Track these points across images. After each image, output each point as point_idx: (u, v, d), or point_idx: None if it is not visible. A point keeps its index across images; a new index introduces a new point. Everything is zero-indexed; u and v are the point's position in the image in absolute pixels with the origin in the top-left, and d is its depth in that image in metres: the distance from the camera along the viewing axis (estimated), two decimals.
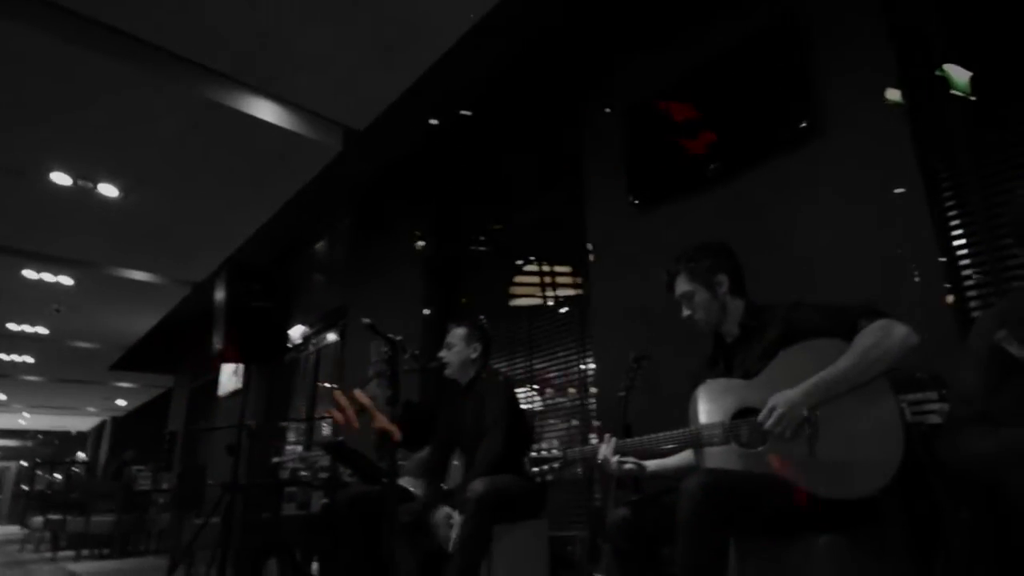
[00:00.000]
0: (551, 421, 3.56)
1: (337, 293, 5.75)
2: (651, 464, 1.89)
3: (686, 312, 1.91)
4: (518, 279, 3.99)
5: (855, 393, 1.53)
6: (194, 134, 3.65)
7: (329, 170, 4.07)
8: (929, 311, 2.09)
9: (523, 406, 2.81)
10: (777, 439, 1.58)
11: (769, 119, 2.62)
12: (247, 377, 6.22)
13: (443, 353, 2.71)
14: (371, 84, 3.46)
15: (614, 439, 1.82)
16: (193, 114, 3.45)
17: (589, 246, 3.36)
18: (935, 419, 1.74)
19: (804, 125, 2.50)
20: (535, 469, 1.89)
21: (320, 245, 6.25)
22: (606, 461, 1.80)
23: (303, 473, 3.35)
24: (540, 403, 3.68)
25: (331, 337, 6.13)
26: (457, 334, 2.73)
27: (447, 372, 2.71)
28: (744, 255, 2.56)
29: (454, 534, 2.21)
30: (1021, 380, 1.29)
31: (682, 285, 1.91)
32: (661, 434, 1.75)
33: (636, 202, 3.10)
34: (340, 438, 3.03)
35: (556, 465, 1.88)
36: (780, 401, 1.56)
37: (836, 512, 1.49)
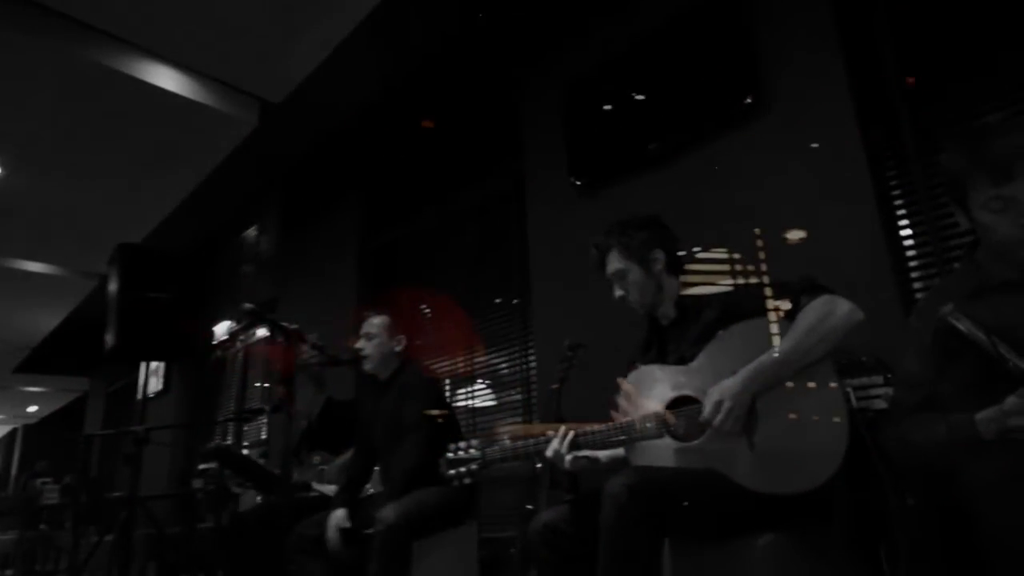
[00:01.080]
0: (496, 419, 3.37)
1: (267, 285, 5.42)
2: (603, 455, 1.71)
3: (618, 292, 1.75)
4: (458, 267, 3.78)
5: (797, 379, 1.41)
6: (83, 104, 3.25)
7: (248, 148, 3.72)
8: (874, 290, 2.02)
9: (452, 405, 2.61)
10: (715, 431, 1.45)
11: (714, 94, 2.52)
12: (167, 377, 5.77)
13: (361, 344, 2.47)
14: (287, 53, 3.15)
15: (572, 432, 1.62)
16: (77, 79, 3.05)
17: (530, 231, 3.20)
18: (881, 404, 1.63)
19: (749, 101, 2.41)
20: (451, 472, 1.70)
21: (249, 233, 5.85)
22: (558, 456, 1.60)
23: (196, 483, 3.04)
24: (483, 400, 3.48)
25: (261, 333, 5.75)
26: (377, 323, 2.49)
27: (366, 366, 2.47)
28: (691, 236, 2.48)
29: (332, 537, 2.05)
30: (966, 363, 1.20)
31: (614, 262, 1.76)
32: (595, 427, 1.59)
33: (578, 183, 2.96)
34: (227, 442, 2.75)
35: (475, 467, 1.69)
36: (724, 394, 1.43)
37: (778, 509, 1.37)
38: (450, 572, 2.21)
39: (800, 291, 1.47)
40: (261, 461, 3.16)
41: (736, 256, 2.32)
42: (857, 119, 2.20)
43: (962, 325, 1.18)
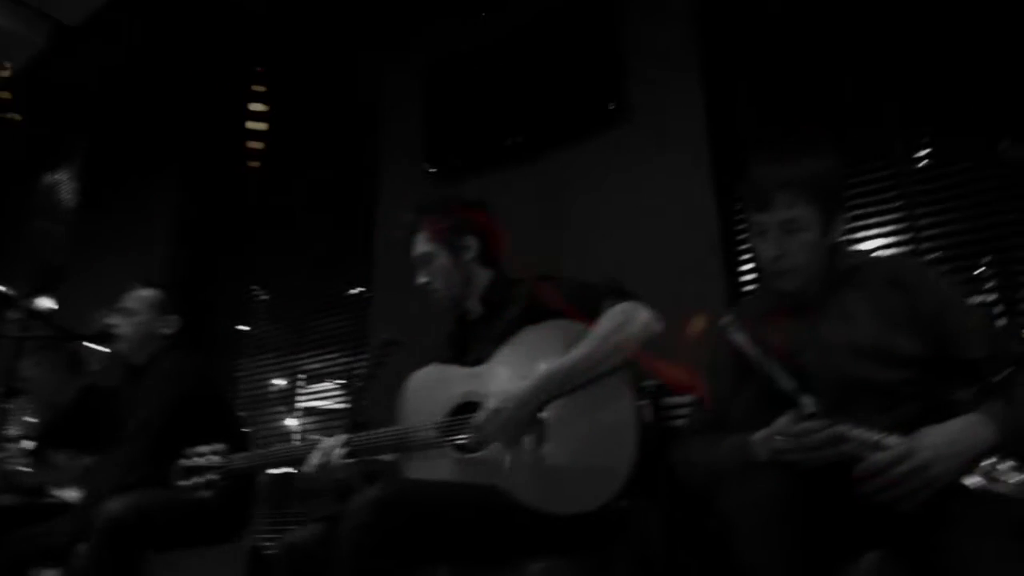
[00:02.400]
0: (327, 422, 3.04)
1: (60, 245, 4.57)
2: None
3: (422, 279, 1.59)
4: (294, 252, 3.38)
5: (589, 390, 1.32)
6: None
7: (35, 75, 3.03)
8: (710, 303, 2.04)
9: (230, 403, 2.25)
10: (491, 442, 1.33)
11: (577, 97, 2.49)
12: None
13: (116, 320, 2.05)
14: None
15: (345, 436, 1.43)
16: None
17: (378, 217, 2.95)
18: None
19: (612, 107, 2.40)
20: (184, 483, 1.48)
21: (46, 180, 4.89)
22: (323, 467, 1.39)
23: None
24: (314, 401, 3.14)
25: (43, 303, 4.84)
26: (142, 297, 2.08)
27: (117, 347, 2.05)
28: (547, 237, 2.41)
29: None
30: (752, 387, 1.20)
31: (421, 244, 1.59)
32: (368, 433, 1.42)
33: (433, 170, 2.77)
34: None
35: (215, 476, 1.48)
36: (505, 402, 1.30)
37: (560, 530, 1.26)
38: None
39: (603, 295, 1.39)
40: None
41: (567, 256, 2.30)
42: (708, 140, 2.26)
43: (736, 337, 1.18)
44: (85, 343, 2.50)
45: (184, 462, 1.53)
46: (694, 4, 2.40)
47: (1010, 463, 1.01)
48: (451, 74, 2.81)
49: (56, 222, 4.78)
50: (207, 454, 1.54)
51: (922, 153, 2.07)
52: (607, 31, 2.46)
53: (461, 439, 1.38)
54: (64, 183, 4.78)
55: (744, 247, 2.21)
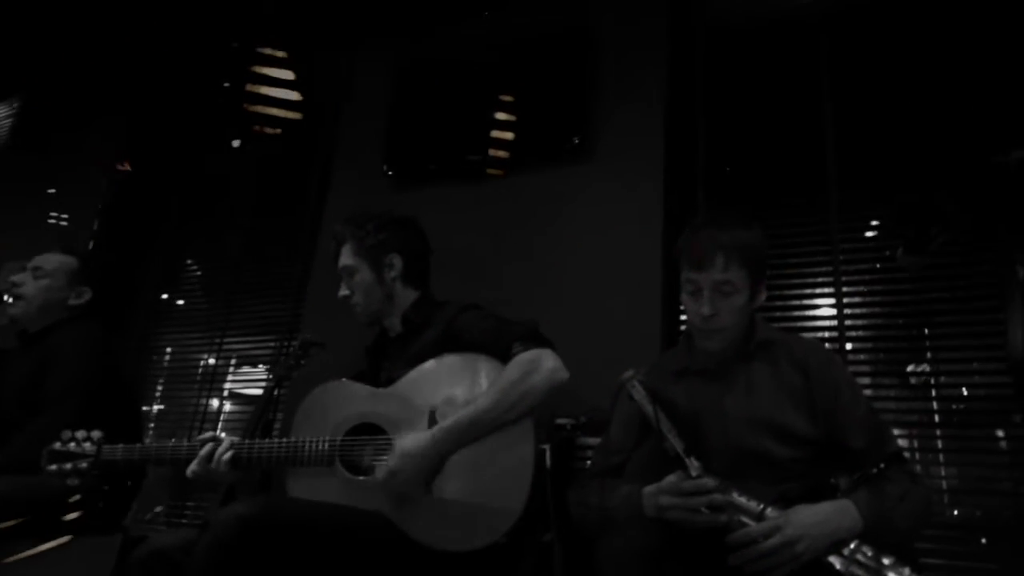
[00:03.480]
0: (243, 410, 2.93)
1: None
2: None
3: (343, 291, 1.58)
4: (235, 229, 3.25)
5: (497, 431, 1.33)
6: None
7: None
8: (640, 355, 2.08)
9: (130, 385, 2.12)
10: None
11: (544, 125, 2.50)
12: None
13: (19, 278, 1.92)
14: None
15: (228, 439, 1.39)
16: None
17: (327, 208, 2.88)
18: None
19: (577, 142, 2.42)
20: (52, 467, 1.41)
21: None
22: (205, 470, 1.34)
23: None
24: (235, 387, 3.03)
25: None
26: (55, 261, 1.95)
27: (11, 310, 1.91)
28: (498, 259, 2.40)
29: None
30: (652, 441, 1.24)
31: (345, 257, 1.58)
32: (263, 440, 1.39)
33: (390, 173, 2.73)
34: None
35: (83, 465, 1.41)
36: (404, 459, 1.28)
37: (441, 566, 1.26)
38: None
39: (516, 337, 1.40)
40: None
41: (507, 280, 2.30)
42: (663, 192, 2.29)
43: (635, 393, 1.23)
44: None
45: (55, 445, 1.44)
46: (668, 53, 2.45)
47: (890, 558, 1.07)
48: (422, 80, 2.78)
49: None
50: (81, 440, 1.45)
51: (858, 228, 2.17)
52: (580, 70, 2.48)
53: (353, 460, 1.35)
54: None
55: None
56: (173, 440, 1.45)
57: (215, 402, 3.01)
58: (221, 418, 2.99)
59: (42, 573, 1.68)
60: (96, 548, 1.78)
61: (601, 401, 1.78)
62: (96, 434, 1.45)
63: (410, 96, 2.78)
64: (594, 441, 1.76)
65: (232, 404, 3.02)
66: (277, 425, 1.91)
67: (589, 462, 1.72)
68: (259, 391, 2.93)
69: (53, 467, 1.41)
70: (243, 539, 1.09)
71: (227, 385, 3.05)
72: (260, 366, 3.02)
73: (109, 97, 3.66)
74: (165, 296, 3.37)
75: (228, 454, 1.34)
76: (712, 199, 2.33)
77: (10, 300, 1.91)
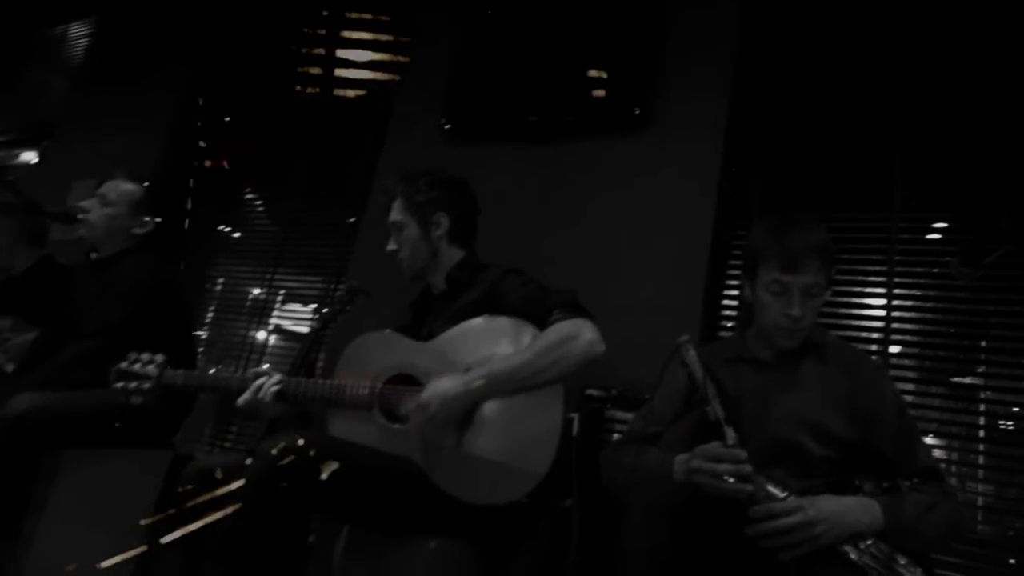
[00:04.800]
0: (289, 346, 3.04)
1: (53, 100, 4.42)
2: None
3: (391, 246, 1.62)
4: (294, 166, 3.32)
5: (524, 395, 1.36)
6: None
7: None
8: (678, 329, 2.07)
9: (187, 317, 2.25)
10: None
11: (608, 92, 2.45)
12: None
13: (89, 203, 2.01)
14: None
15: (276, 375, 1.47)
16: None
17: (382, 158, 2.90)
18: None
19: (637, 113, 2.38)
20: (118, 385, 1.50)
21: (56, 31, 4.70)
22: (254, 401, 1.43)
23: None
24: (281, 319, 3.13)
25: (27, 156, 4.74)
26: (121, 190, 2.03)
27: (82, 232, 2.02)
28: (544, 224, 2.41)
29: None
30: (691, 417, 1.27)
31: (395, 212, 1.62)
32: (308, 380, 1.46)
33: (447, 127, 2.73)
34: None
35: (146, 386, 1.51)
36: (434, 399, 1.33)
37: (465, 516, 1.32)
38: (109, 496, 1.85)
39: (557, 304, 1.42)
40: None
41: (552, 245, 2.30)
42: (720, 174, 2.24)
43: (688, 357, 1.24)
44: (49, 218, 2.46)
45: (122, 365, 1.54)
46: (738, 38, 2.37)
47: (905, 559, 1.10)
48: (488, 35, 2.74)
49: (57, 75, 4.63)
50: (145, 362, 1.55)
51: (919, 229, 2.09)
52: (648, 41, 2.42)
53: (390, 407, 1.41)
54: (75, 37, 4.62)
55: (730, 283, 2.22)
56: (220, 370, 1.53)
57: (261, 334, 3.13)
58: (266, 351, 3.11)
59: (102, 479, 1.83)
60: (148, 460, 1.93)
61: (633, 376, 1.81)
62: (159, 358, 1.55)
63: (475, 52, 2.75)
64: (623, 415, 1.80)
65: (277, 338, 3.14)
66: (319, 365, 2.00)
67: (615, 434, 1.77)
68: (302, 328, 3.05)
69: (119, 384, 1.52)
70: (288, 469, 1.17)
71: (273, 319, 3.16)
72: (307, 305, 3.12)
73: (183, 30, 3.74)
74: (223, 228, 3.48)
75: (274, 388, 1.42)
76: (770, 186, 2.26)
77: (82, 220, 2.02)
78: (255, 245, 3.34)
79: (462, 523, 1.32)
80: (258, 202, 3.48)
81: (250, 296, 3.25)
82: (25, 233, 2.43)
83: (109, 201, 2.01)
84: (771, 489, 1.12)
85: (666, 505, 1.15)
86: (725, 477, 1.10)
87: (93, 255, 2.08)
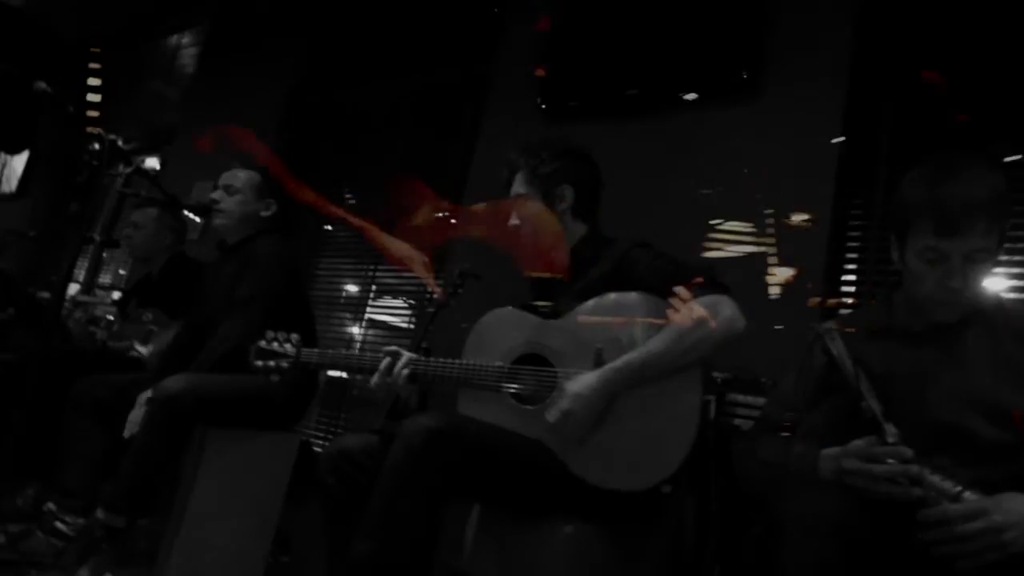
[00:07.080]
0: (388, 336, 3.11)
1: (170, 108, 4.74)
2: None
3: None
4: (389, 161, 3.40)
5: (660, 380, 1.30)
6: None
7: None
8: (797, 304, 1.96)
9: (306, 294, 2.32)
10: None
11: (711, 59, 2.32)
12: (24, 180, 5.04)
13: (217, 195, 2.12)
14: None
15: (407, 355, 1.47)
16: None
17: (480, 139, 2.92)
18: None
19: (745, 76, 2.24)
20: (258, 362, 1.54)
21: (170, 41, 5.04)
22: (386, 381, 1.44)
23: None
24: (377, 314, 3.21)
25: (150, 162, 5.12)
26: (244, 177, 2.14)
27: (216, 221, 2.13)
28: (648, 200, 2.33)
29: (132, 421, 1.80)
30: (837, 399, 1.14)
31: (518, 186, 1.56)
32: (435, 360, 1.46)
33: (544, 106, 2.69)
34: None
35: (284, 364, 1.54)
36: (576, 400, 1.28)
37: (597, 501, 1.28)
38: (250, 476, 1.95)
39: (691, 279, 1.34)
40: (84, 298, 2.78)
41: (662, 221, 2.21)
42: (840, 138, 2.07)
43: (833, 347, 1.12)
44: (186, 211, 2.65)
45: (262, 343, 1.58)
46: None
47: None
48: (583, 11, 2.67)
49: (172, 85, 4.97)
50: (284, 341, 1.59)
51: None
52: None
53: (520, 387, 1.39)
54: (186, 47, 4.93)
55: (851, 253, 2.08)
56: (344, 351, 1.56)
57: (356, 328, 3.20)
58: (365, 344, 3.15)
59: (242, 460, 1.95)
60: (278, 443, 2.04)
61: (746, 358, 1.72)
62: (295, 336, 1.59)
63: (570, 27, 2.69)
64: (742, 399, 1.72)
65: (373, 333, 3.18)
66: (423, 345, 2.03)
67: (736, 418, 1.69)
68: (398, 321, 3.12)
69: (259, 363, 1.56)
70: (431, 449, 1.17)
71: (370, 315, 3.22)
72: (403, 299, 3.15)
73: (293, 21, 3.89)
74: (321, 223, 3.58)
75: (407, 369, 1.43)
76: (897, 150, 2.05)
77: (216, 210, 2.14)
78: (353, 241, 3.39)
79: (597, 508, 1.30)
80: (354, 200, 3.53)
81: (346, 292, 3.31)
82: (168, 224, 2.64)
83: (235, 189, 2.13)
84: (938, 482, 0.99)
85: (830, 516, 1.02)
86: (888, 478, 0.99)
87: (226, 244, 2.22)
